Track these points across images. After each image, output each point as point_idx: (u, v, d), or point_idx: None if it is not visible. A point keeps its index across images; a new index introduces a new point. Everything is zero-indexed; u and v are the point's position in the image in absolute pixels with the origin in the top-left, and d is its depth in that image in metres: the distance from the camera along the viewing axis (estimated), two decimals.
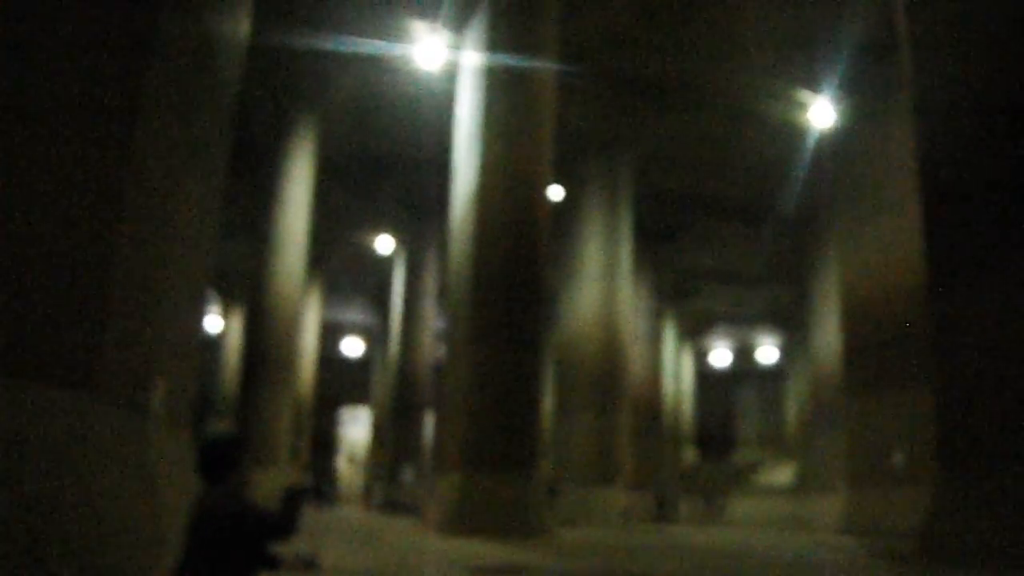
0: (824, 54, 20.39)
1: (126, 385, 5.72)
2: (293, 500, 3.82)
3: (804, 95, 22.58)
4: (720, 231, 33.14)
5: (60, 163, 5.15)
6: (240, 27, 8.62)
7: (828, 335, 27.82)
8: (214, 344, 40.32)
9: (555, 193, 23.72)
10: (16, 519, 4.37)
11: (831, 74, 20.46)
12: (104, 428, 5.26)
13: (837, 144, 21.42)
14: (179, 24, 6.24)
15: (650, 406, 31.12)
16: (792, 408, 40.32)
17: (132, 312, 5.71)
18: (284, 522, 3.77)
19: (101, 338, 5.23)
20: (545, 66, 16.79)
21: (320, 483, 30.64)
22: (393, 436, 31.04)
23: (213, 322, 42.93)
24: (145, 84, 5.62)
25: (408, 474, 29.20)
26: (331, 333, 49.64)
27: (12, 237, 4.95)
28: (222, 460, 3.84)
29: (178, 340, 6.92)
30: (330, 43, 19.89)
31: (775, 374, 48.08)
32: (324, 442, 44.75)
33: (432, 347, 32.49)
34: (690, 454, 44.50)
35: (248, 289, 25.49)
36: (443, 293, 21.66)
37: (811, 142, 24.25)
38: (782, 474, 37.15)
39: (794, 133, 24.36)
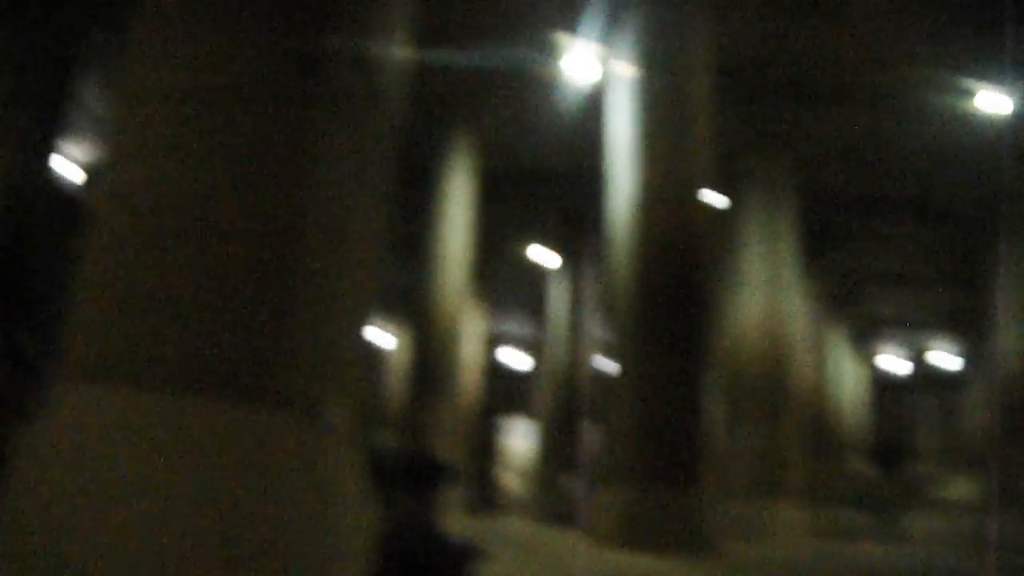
0: (993, 39, 19.29)
1: (303, 400, 5.83)
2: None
3: (973, 83, 21.37)
4: (889, 232, 31.80)
5: (246, 175, 5.33)
6: (403, 47, 8.76)
7: (1017, 339, 26.19)
8: (379, 358, 41.44)
9: (715, 199, 23.32)
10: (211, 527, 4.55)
11: (1004, 58, 19.33)
12: (281, 443, 5.38)
13: (1015, 133, 20.37)
14: (347, 47, 6.36)
15: (819, 415, 30.12)
16: (974, 417, 38.12)
17: (309, 327, 5.82)
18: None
19: (278, 353, 5.34)
20: (698, 72, 16.55)
21: (484, 492, 30.98)
22: (554, 446, 31.02)
23: (380, 337, 44.17)
24: (314, 111, 5.74)
25: (570, 485, 29.10)
26: (491, 344, 50.19)
27: (209, 259, 5.14)
28: (425, 480, 3.84)
29: (351, 354, 7.03)
30: (482, 60, 20.16)
31: (954, 381, 45.59)
32: (485, 452, 45.25)
33: (591, 357, 32.35)
34: (861, 465, 42.71)
35: (411, 305, 26.19)
36: (602, 303, 21.56)
37: (985, 133, 22.93)
38: (963, 488, 35.22)
39: (964, 124, 23.07)
